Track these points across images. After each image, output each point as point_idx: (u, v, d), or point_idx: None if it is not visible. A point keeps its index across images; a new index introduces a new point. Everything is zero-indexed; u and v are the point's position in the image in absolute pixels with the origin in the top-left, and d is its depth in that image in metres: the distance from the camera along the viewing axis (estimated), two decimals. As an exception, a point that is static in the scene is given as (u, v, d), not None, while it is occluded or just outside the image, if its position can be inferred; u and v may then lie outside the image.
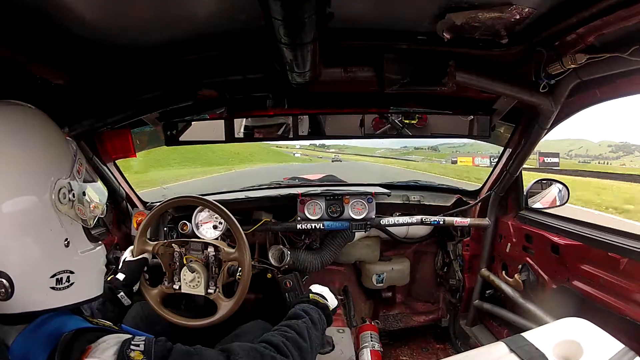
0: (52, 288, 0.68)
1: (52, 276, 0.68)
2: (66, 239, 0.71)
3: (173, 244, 1.41)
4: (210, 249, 1.41)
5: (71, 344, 0.63)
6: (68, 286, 0.70)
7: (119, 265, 1.38)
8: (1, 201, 0.63)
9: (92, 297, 0.77)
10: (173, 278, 1.40)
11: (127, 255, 1.39)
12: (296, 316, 0.99)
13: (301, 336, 0.89)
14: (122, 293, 1.25)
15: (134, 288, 1.32)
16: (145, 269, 1.40)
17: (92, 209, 0.77)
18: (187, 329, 1.36)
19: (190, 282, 1.38)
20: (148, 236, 1.45)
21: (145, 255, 1.39)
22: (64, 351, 0.62)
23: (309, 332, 0.92)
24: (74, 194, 0.72)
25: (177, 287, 1.39)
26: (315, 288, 1.22)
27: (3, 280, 0.63)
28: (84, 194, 0.75)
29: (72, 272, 0.71)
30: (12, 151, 0.65)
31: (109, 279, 1.28)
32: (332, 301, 1.19)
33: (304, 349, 0.86)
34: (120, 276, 1.30)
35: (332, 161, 43.32)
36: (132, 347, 0.66)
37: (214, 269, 1.40)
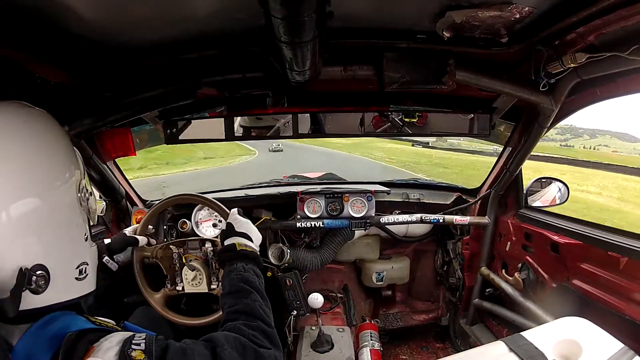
0: (76, 279, 0.74)
1: (77, 267, 0.74)
2: (85, 233, 0.78)
3: (171, 246, 1.41)
4: (208, 245, 1.41)
5: (74, 345, 0.64)
6: (85, 277, 0.76)
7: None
8: (44, 198, 0.68)
9: (93, 289, 0.82)
10: (175, 279, 1.39)
11: (128, 230, 1.41)
12: (243, 292, 0.95)
13: (263, 321, 0.88)
14: (106, 257, 1.27)
15: (117, 259, 1.32)
16: (142, 265, 1.40)
17: (95, 206, 0.85)
18: (188, 330, 1.36)
19: (192, 280, 1.38)
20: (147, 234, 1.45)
21: (141, 239, 1.39)
22: (67, 352, 0.62)
23: (263, 310, 0.91)
24: (89, 193, 0.80)
25: (180, 289, 1.39)
26: (238, 224, 1.17)
27: (43, 272, 0.66)
28: (91, 193, 0.81)
29: (87, 264, 0.77)
30: (52, 153, 0.72)
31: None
32: (257, 237, 1.16)
33: (271, 333, 0.86)
34: (106, 241, 1.31)
35: (271, 151, 25.71)
36: (133, 346, 0.66)
37: (214, 264, 1.40)
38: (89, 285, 0.79)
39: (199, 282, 1.38)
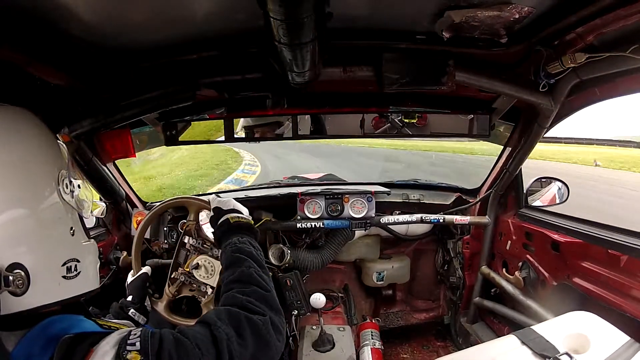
0: (64, 277, 0.69)
1: (63, 264, 0.69)
2: (71, 227, 0.73)
3: (173, 276, 1.41)
4: (186, 239, 1.42)
5: (73, 347, 0.61)
6: (76, 275, 0.72)
7: (119, 264, 1.36)
8: (16, 192, 0.64)
9: (94, 288, 0.78)
10: (201, 289, 1.40)
11: (129, 279, 1.40)
12: (238, 262, 0.93)
13: (258, 285, 0.86)
14: (132, 310, 1.26)
15: (146, 305, 1.32)
16: (148, 284, 1.39)
17: (85, 200, 0.81)
18: None
19: (207, 273, 1.38)
20: (148, 236, 1.45)
21: (144, 270, 1.39)
22: (63, 355, 0.59)
23: (259, 275, 0.89)
24: (73, 185, 0.76)
25: (210, 291, 1.39)
26: (223, 204, 1.16)
27: (20, 271, 0.61)
28: (78, 186, 0.79)
29: (78, 261, 0.72)
30: (25, 148, 0.69)
31: (119, 302, 1.30)
32: (245, 210, 1.17)
33: (267, 297, 0.85)
34: (129, 298, 1.31)
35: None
36: (128, 347, 0.63)
37: (203, 244, 1.42)
38: (85, 283, 0.74)
39: (212, 269, 1.38)
